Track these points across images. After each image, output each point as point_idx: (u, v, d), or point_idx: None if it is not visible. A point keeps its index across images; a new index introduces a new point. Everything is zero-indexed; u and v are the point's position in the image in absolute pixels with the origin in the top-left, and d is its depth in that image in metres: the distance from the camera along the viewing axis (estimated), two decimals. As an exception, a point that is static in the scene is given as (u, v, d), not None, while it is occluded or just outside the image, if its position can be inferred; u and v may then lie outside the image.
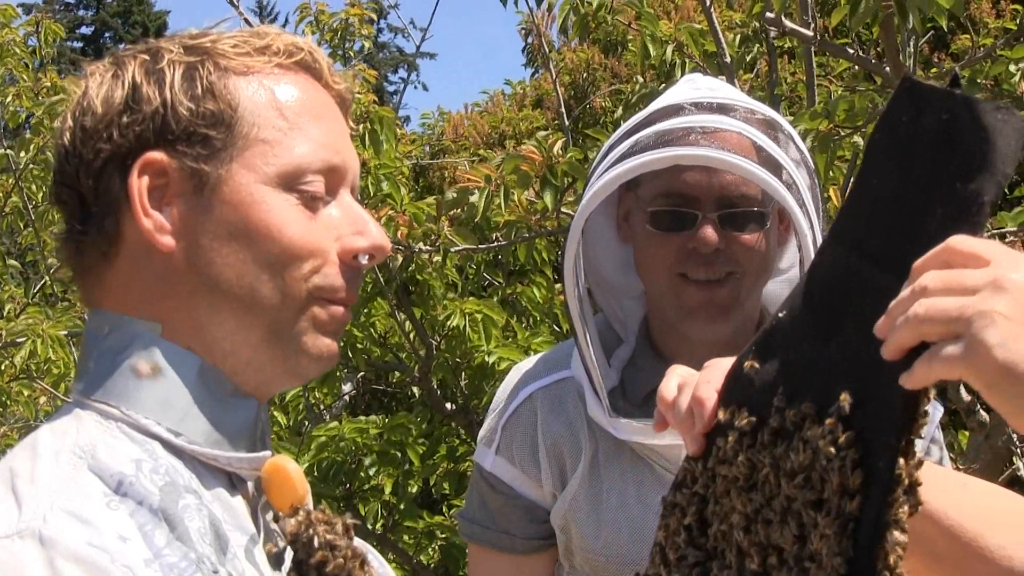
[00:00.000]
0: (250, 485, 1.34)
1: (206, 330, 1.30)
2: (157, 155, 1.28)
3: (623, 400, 2.05)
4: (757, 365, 1.22)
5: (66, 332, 4.37)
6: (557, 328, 4.67)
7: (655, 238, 1.98)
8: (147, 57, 1.33)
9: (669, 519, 1.28)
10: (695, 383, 1.29)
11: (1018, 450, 3.99)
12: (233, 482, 1.32)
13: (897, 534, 1.07)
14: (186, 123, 1.29)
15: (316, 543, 1.32)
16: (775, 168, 1.90)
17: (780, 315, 1.23)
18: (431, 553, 4.82)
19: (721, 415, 1.24)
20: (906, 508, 1.07)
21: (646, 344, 2.10)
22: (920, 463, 1.09)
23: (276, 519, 1.34)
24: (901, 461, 1.07)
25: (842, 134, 3.38)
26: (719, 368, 1.28)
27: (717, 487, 1.23)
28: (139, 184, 1.28)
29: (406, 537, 4.72)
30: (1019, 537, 1.30)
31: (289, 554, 1.33)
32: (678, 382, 1.32)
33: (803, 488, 1.13)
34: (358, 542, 1.40)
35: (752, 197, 1.94)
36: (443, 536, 4.62)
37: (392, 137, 3.98)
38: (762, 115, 1.97)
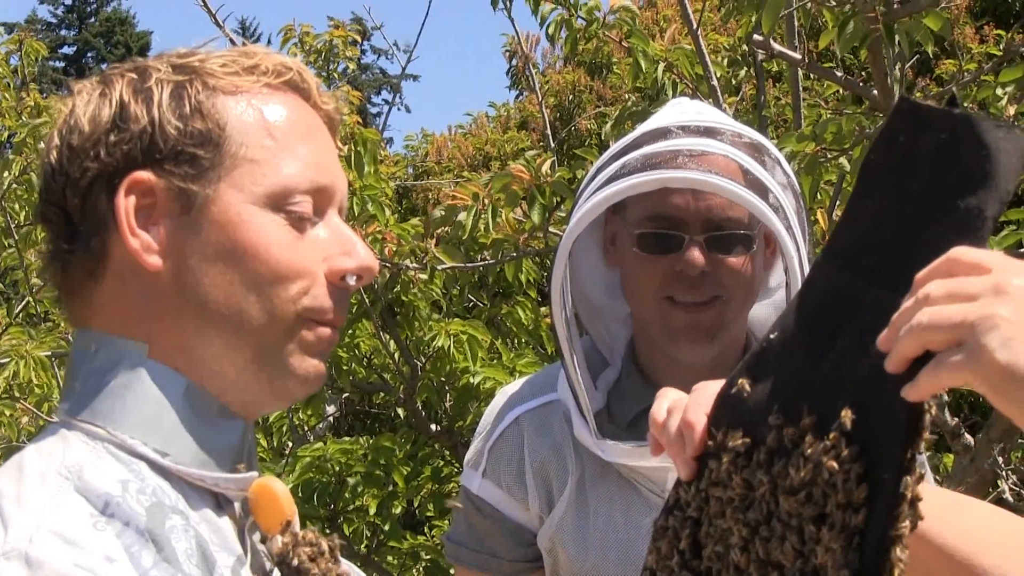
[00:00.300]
0: (237, 506, 1.33)
1: (193, 350, 1.29)
2: (144, 175, 1.28)
3: (609, 422, 2.04)
4: (748, 386, 1.22)
5: (49, 353, 4.35)
6: (542, 350, 4.67)
7: (642, 261, 1.98)
8: (135, 76, 1.32)
9: (660, 543, 1.28)
10: (684, 406, 1.29)
11: (1003, 472, 4.00)
12: (220, 503, 1.31)
13: (899, 549, 1.07)
14: (174, 142, 1.28)
15: (302, 565, 1.32)
16: (761, 191, 1.90)
17: (772, 336, 1.23)
18: (415, 574, 4.81)
19: (711, 441, 1.24)
20: (907, 523, 1.08)
21: (632, 367, 2.09)
22: (921, 477, 1.09)
23: (263, 540, 1.33)
24: (907, 476, 1.07)
25: (828, 157, 3.39)
26: (707, 392, 1.28)
27: (711, 509, 1.23)
28: (126, 204, 1.28)
29: (390, 558, 4.71)
30: (1016, 558, 1.29)
31: (276, 575, 1.32)
32: (668, 405, 1.32)
33: (805, 504, 1.12)
34: (345, 563, 1.39)
35: (739, 220, 1.95)
36: (427, 557, 4.60)
37: (373, 161, 3.98)
38: (749, 139, 1.98)
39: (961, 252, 1.06)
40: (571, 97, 9.83)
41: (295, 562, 1.31)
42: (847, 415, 1.11)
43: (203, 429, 1.30)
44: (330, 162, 1.36)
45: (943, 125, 1.10)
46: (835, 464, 1.10)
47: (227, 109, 1.31)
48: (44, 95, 5.45)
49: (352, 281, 1.34)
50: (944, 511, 1.31)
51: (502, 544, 2.11)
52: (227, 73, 1.33)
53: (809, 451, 1.13)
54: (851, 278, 1.16)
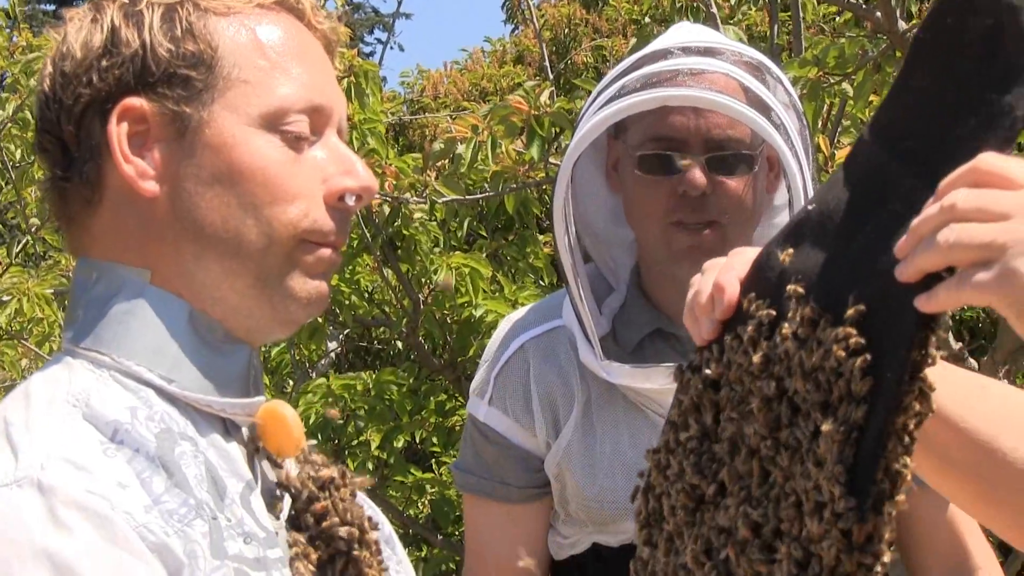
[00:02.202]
0: (245, 431, 1.33)
1: (194, 276, 1.28)
2: (136, 101, 1.26)
3: (615, 347, 2.04)
4: (789, 256, 1.19)
5: (52, 290, 4.34)
6: (543, 283, 4.66)
7: (643, 183, 1.97)
8: (126, 0, 1.31)
9: (683, 396, 1.26)
10: (718, 268, 1.26)
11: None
12: (227, 428, 1.31)
13: (901, 452, 1.05)
14: (166, 65, 1.27)
15: (313, 488, 1.32)
16: (763, 109, 1.90)
17: (810, 208, 1.20)
18: (420, 508, 4.82)
19: (744, 303, 1.21)
20: (913, 421, 1.06)
21: (637, 292, 2.09)
22: (934, 360, 1.07)
23: (273, 465, 1.33)
24: (909, 376, 1.05)
25: (831, 82, 3.36)
26: (744, 256, 1.25)
27: (731, 374, 1.20)
28: (118, 131, 1.26)
29: (392, 492, 4.72)
30: None
31: (287, 501, 1.32)
32: (704, 266, 1.29)
33: (815, 390, 1.11)
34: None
35: (740, 140, 1.94)
36: (432, 491, 4.61)
37: (378, 90, 3.94)
38: (750, 58, 1.97)
39: (987, 162, 1.02)
40: (567, 31, 9.75)
41: (304, 491, 1.31)
42: (855, 308, 1.09)
43: (208, 355, 1.29)
44: (326, 82, 1.34)
45: (989, 10, 1.06)
46: (843, 353, 1.09)
47: (219, 30, 1.29)
48: (36, 36, 5.40)
49: (352, 201, 1.32)
50: (966, 394, 1.27)
51: (510, 471, 2.11)
52: None
53: (822, 335, 1.11)
54: (889, 159, 1.13)
